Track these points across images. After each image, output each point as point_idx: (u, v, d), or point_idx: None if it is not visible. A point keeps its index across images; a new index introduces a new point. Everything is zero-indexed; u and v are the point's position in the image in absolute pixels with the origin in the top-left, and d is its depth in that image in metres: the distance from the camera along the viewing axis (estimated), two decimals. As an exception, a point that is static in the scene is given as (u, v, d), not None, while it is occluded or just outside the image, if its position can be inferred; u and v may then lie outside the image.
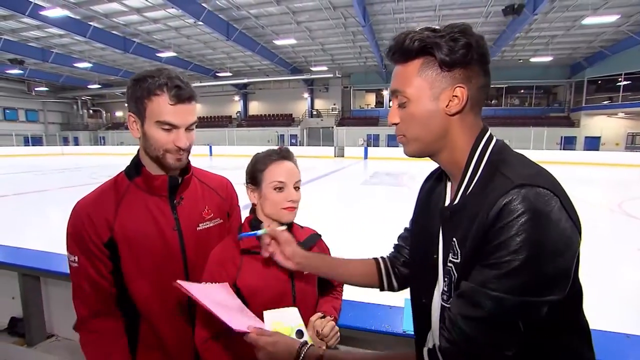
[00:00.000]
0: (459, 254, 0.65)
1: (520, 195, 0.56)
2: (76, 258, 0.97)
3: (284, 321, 0.85)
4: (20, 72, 24.47)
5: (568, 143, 22.91)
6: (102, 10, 16.19)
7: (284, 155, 1.04)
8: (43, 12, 13.88)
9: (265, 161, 1.02)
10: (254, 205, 1.07)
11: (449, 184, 0.79)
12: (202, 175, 1.18)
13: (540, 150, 20.84)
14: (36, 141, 31.22)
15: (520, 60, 23.49)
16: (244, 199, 1.16)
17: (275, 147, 1.07)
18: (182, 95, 0.93)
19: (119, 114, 36.94)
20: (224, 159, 22.79)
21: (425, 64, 0.67)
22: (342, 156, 24.55)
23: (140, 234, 0.99)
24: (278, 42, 18.95)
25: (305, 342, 0.76)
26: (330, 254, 1.16)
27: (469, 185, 0.68)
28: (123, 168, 1.08)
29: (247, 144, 26.39)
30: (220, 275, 0.97)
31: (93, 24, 17.28)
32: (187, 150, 1.00)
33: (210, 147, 27.00)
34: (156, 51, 21.01)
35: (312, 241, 1.11)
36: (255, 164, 1.04)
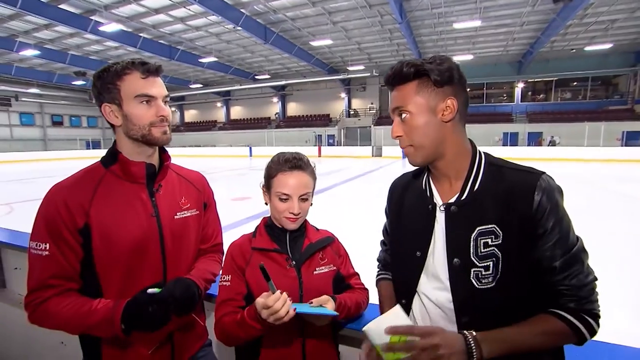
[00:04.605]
0: (501, 236, 0.77)
1: (547, 181, 0.76)
2: (46, 246, 0.92)
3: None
4: (83, 82, 26.97)
5: (631, 139, 20.73)
6: (151, 21, 17.40)
7: (295, 165, 1.03)
8: (101, 28, 15.29)
9: (277, 168, 1.04)
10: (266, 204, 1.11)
11: (433, 186, 0.90)
12: (179, 169, 1.20)
13: (597, 147, 19.19)
14: (95, 145, 34.11)
15: (572, 49, 21.73)
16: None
17: (292, 152, 1.07)
18: (151, 68, 0.98)
19: (166, 118, 39.24)
20: (263, 159, 23.39)
21: (421, 84, 0.81)
22: (380, 156, 24.24)
23: (116, 219, 0.97)
24: (314, 43, 19.15)
25: (467, 332, 0.71)
26: (347, 255, 1.17)
27: (475, 182, 0.83)
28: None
29: (285, 145, 26.91)
30: (232, 266, 1.04)
31: (143, 35, 18.66)
32: (169, 124, 1.02)
33: (250, 148, 27.90)
34: (198, 57, 22.15)
35: (324, 243, 1.10)
36: (269, 168, 1.07)
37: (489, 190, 0.80)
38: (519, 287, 0.77)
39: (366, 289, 1.17)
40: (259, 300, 0.86)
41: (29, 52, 18.68)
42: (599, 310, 0.75)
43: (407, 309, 0.90)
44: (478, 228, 0.78)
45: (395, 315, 0.76)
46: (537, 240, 0.75)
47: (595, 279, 0.76)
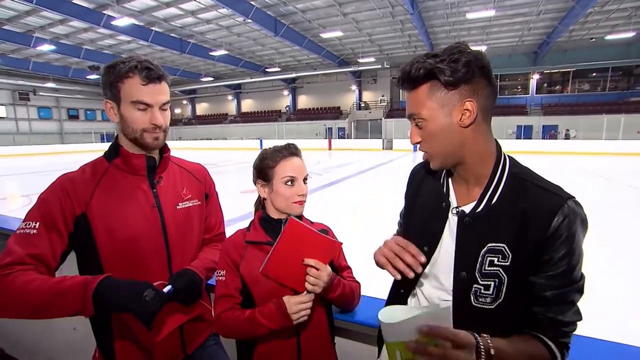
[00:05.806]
0: (509, 258, 0.72)
1: (572, 208, 0.69)
2: (36, 224, 0.92)
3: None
4: (97, 77, 27.32)
5: (653, 131, 19.99)
6: (162, 15, 17.49)
7: (292, 151, 1.09)
8: (114, 22, 15.45)
9: (276, 157, 1.06)
10: (263, 200, 1.12)
11: (450, 185, 0.86)
12: (180, 161, 1.24)
13: (615, 141, 18.58)
14: (109, 138, 34.78)
15: (592, 39, 20.99)
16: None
17: (282, 144, 1.11)
18: (152, 75, 0.98)
19: (177, 110, 39.65)
20: (273, 152, 23.43)
21: (432, 87, 0.74)
22: (391, 148, 24.05)
23: (118, 210, 1.00)
24: (325, 35, 18.96)
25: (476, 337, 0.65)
26: (340, 247, 1.14)
27: (493, 195, 0.76)
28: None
29: (296, 138, 26.91)
30: (226, 262, 1.04)
31: (154, 28, 18.78)
32: (164, 130, 1.04)
33: (261, 140, 27.96)
34: (209, 50, 22.22)
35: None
36: (265, 160, 1.08)
37: (507, 206, 0.74)
38: (520, 313, 0.74)
39: (358, 282, 1.18)
40: (295, 298, 0.95)
41: (45, 47, 19.00)
42: (569, 346, 0.73)
43: (405, 298, 0.92)
44: (488, 245, 0.74)
45: (435, 317, 0.63)
46: (541, 265, 0.70)
47: (580, 319, 0.72)
